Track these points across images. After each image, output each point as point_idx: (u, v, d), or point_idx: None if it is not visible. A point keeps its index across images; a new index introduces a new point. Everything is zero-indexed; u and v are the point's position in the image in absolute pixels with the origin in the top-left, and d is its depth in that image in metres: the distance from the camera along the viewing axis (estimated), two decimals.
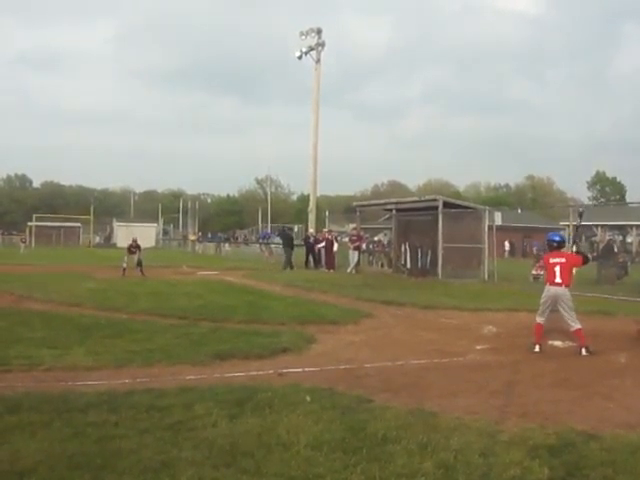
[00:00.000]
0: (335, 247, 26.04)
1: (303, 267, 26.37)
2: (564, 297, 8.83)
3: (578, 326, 8.75)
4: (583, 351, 8.56)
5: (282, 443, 4.51)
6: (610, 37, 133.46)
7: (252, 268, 26.42)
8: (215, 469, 4.01)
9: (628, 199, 72.27)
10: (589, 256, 9.03)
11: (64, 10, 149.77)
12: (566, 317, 8.79)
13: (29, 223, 62.11)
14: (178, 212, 67.61)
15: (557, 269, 8.86)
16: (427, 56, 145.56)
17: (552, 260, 9.04)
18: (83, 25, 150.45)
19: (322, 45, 31.21)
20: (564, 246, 9.55)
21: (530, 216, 53.72)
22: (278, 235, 29.69)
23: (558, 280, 8.84)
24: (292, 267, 26.02)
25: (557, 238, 9.44)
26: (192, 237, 54.41)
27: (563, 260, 8.95)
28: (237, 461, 4.17)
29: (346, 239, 28.46)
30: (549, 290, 8.96)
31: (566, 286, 8.87)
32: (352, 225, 28.93)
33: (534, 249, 25.85)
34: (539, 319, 9.01)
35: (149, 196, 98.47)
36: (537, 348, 8.78)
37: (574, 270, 9.39)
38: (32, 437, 4.55)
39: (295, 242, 28.92)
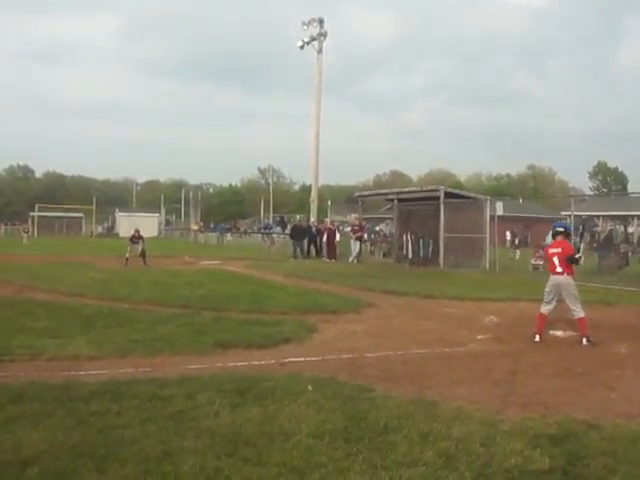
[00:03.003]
0: (337, 237, 26.06)
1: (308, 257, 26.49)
2: (567, 286, 8.85)
3: (581, 315, 8.76)
4: (584, 341, 8.58)
5: (284, 432, 4.53)
6: (613, 29, 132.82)
7: (254, 258, 26.44)
8: (217, 458, 4.03)
9: (630, 189, 72.00)
10: (579, 258, 9.08)
11: (66, 2, 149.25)
12: (570, 305, 8.83)
13: (31, 213, 62.23)
14: (180, 202, 67.58)
15: (555, 259, 8.95)
16: (429, 47, 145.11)
17: (551, 251, 9.16)
18: (85, 17, 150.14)
19: (324, 35, 31.05)
20: (567, 235, 9.54)
21: (532, 206, 53.51)
22: (291, 230, 29.75)
23: (559, 269, 8.89)
24: (297, 256, 26.17)
25: (558, 228, 9.47)
26: (194, 227, 54.42)
27: (559, 250, 9.01)
28: (239, 450, 4.18)
29: (348, 229, 28.49)
30: (552, 280, 9.02)
31: (568, 274, 8.87)
32: (354, 215, 28.92)
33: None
34: (543, 309, 9.02)
35: (151, 186, 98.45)
36: (537, 338, 8.79)
37: None
38: (35, 426, 4.57)
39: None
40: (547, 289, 9.07)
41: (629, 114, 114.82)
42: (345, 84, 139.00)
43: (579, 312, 8.76)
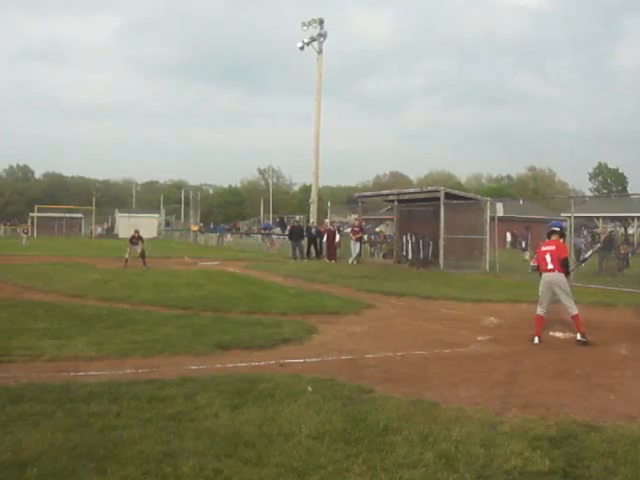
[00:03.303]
0: (337, 238, 26.06)
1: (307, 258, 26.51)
2: (560, 282, 8.90)
3: (576, 311, 8.82)
4: (578, 336, 8.64)
5: (284, 433, 4.52)
6: (613, 29, 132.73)
7: (254, 259, 26.45)
8: (217, 459, 4.02)
9: (630, 190, 72.04)
10: (572, 271, 9.20)
11: (66, 2, 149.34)
12: (565, 302, 8.86)
13: (31, 214, 62.19)
14: (180, 203, 67.61)
15: (547, 257, 9.01)
16: (429, 48, 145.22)
17: (543, 248, 9.25)
18: (85, 17, 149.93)
19: (324, 36, 31.01)
20: (562, 235, 9.56)
21: (532, 207, 53.50)
22: (290, 230, 29.76)
23: (550, 267, 8.95)
24: (297, 257, 26.24)
25: (554, 228, 9.52)
26: (194, 228, 54.46)
27: (553, 248, 9.08)
28: (239, 451, 4.18)
29: (348, 230, 28.49)
30: (544, 278, 9.07)
31: (559, 272, 8.92)
32: (354, 216, 28.92)
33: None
34: (539, 310, 9.05)
35: (151, 187, 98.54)
36: (536, 340, 8.80)
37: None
38: (35, 427, 4.56)
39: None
40: (540, 288, 9.12)
41: (629, 115, 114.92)
42: (345, 85, 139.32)
43: (573, 309, 8.82)
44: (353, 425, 4.71)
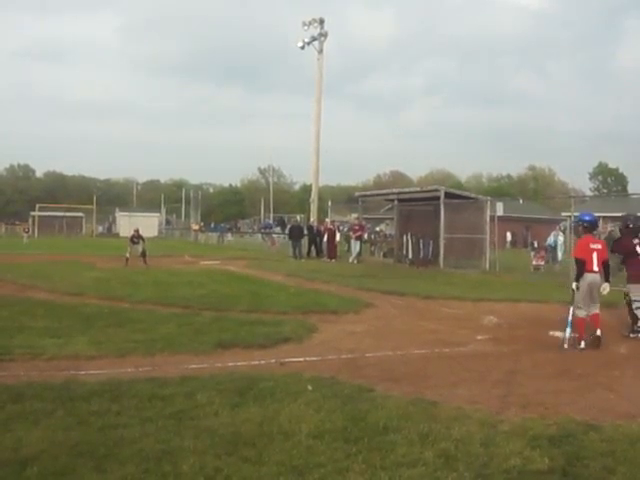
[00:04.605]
0: (337, 237, 26.09)
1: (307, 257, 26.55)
2: (599, 285, 8.47)
3: (596, 311, 8.60)
4: (582, 343, 8.58)
5: (283, 432, 4.53)
6: (613, 29, 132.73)
7: (254, 258, 26.44)
8: (217, 458, 4.03)
9: (630, 190, 71.95)
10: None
11: (67, 1, 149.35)
12: (594, 304, 8.58)
13: (32, 213, 62.16)
14: (181, 202, 67.61)
15: (595, 256, 8.41)
16: (429, 47, 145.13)
17: (592, 246, 8.51)
18: (87, 16, 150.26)
19: (324, 35, 31.04)
20: (596, 228, 8.96)
21: (532, 207, 53.49)
22: (290, 230, 29.78)
23: (596, 268, 8.42)
24: (297, 257, 26.26)
25: (588, 218, 8.85)
26: (195, 227, 54.50)
27: (600, 247, 8.57)
28: (239, 450, 4.19)
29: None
30: (587, 278, 8.42)
31: (600, 274, 8.47)
32: (354, 215, 28.96)
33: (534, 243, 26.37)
34: (581, 313, 8.42)
35: (152, 186, 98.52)
36: (583, 344, 8.24)
37: None
38: (35, 426, 4.57)
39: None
40: (580, 289, 8.41)
41: (629, 115, 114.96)
42: (345, 84, 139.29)
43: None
44: (353, 424, 4.72)
